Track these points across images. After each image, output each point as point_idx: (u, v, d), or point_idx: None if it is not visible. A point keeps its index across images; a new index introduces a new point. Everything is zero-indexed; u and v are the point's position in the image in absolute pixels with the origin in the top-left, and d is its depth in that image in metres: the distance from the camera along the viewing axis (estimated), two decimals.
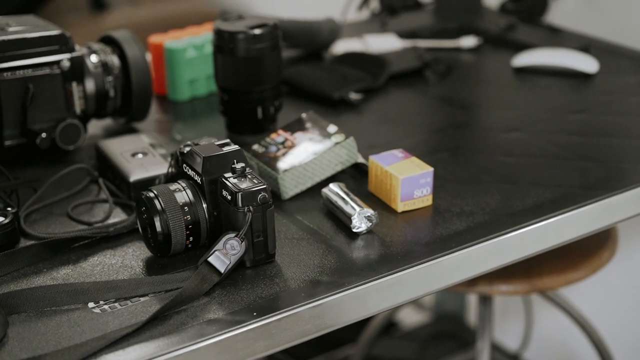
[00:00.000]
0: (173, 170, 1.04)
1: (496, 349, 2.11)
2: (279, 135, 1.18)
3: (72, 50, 1.21)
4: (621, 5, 1.78)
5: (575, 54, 1.56)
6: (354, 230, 1.04)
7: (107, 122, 1.36)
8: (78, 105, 1.23)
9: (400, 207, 1.09)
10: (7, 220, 1.01)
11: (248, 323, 0.89)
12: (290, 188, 1.13)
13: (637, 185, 1.16)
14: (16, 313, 0.90)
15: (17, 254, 1.00)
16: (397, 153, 1.13)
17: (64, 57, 1.20)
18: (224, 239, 0.95)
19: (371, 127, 1.35)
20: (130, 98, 1.28)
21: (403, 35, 1.70)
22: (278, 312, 0.91)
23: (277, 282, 0.96)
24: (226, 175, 0.97)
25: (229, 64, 1.24)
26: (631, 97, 1.44)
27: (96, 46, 1.28)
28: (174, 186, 0.99)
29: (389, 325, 2.25)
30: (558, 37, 1.70)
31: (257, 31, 1.22)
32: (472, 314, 2.24)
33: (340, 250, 1.02)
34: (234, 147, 1.00)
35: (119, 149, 1.19)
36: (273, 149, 1.16)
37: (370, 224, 1.04)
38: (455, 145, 1.30)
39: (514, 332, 2.12)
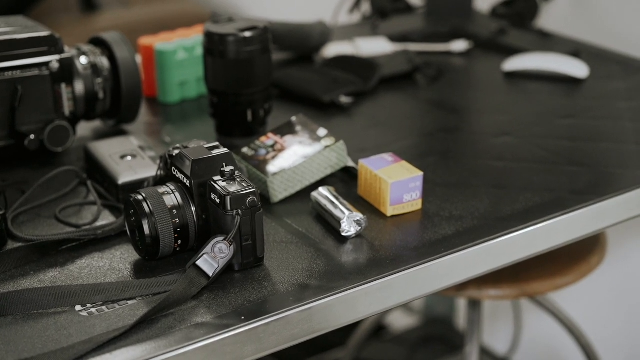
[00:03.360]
0: (162, 173, 1.04)
1: (485, 352, 2.11)
2: (269, 139, 1.18)
3: (61, 51, 1.21)
4: (612, 11, 1.78)
5: (566, 59, 1.56)
6: (343, 234, 1.04)
7: (96, 124, 1.35)
8: (67, 107, 1.23)
9: (389, 211, 1.09)
10: None
11: (236, 327, 0.89)
12: (279, 191, 1.12)
13: (626, 190, 1.16)
14: (3, 316, 0.90)
15: (4, 256, 0.99)
16: (387, 157, 1.13)
17: (53, 59, 1.20)
18: (212, 243, 0.94)
19: (361, 131, 1.35)
20: (119, 100, 1.28)
21: (394, 38, 1.70)
22: (266, 316, 0.90)
23: (266, 285, 0.95)
24: (215, 178, 0.97)
25: (219, 67, 1.24)
26: (621, 102, 1.44)
27: (86, 48, 1.28)
28: (162, 189, 0.99)
29: (379, 329, 2.25)
30: (548, 42, 1.70)
31: (247, 34, 1.22)
32: (461, 318, 2.24)
33: (329, 254, 1.02)
34: (223, 150, 1.00)
35: (107, 151, 1.18)
36: (262, 152, 1.16)
37: (360, 228, 1.04)
38: (445, 150, 1.30)
39: (503, 336, 2.13)
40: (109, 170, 1.14)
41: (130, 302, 0.92)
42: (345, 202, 1.07)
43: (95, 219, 1.09)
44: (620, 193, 1.15)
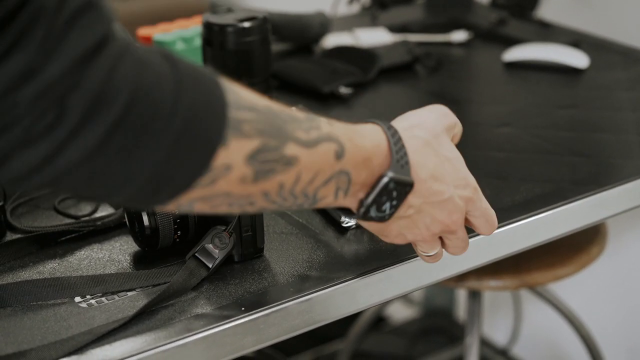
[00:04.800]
0: None
1: (485, 344, 2.11)
2: None
3: None
4: (612, 1, 1.78)
5: (566, 49, 1.56)
6: (343, 224, 1.04)
7: None
8: None
9: None
10: None
11: (236, 318, 0.89)
12: None
13: (626, 180, 1.15)
14: (2, 307, 0.90)
15: (3, 247, 0.99)
16: None
17: None
18: (212, 234, 0.94)
19: (361, 121, 1.35)
20: None
21: (393, 29, 1.70)
22: (266, 307, 0.90)
23: (266, 276, 0.95)
24: None
25: (218, 57, 1.23)
26: (621, 92, 1.44)
27: None
28: None
29: (378, 320, 2.25)
30: (548, 32, 1.69)
31: (246, 24, 1.22)
32: (461, 309, 2.24)
33: (329, 245, 1.01)
34: None
35: None
36: None
37: None
38: None
39: (503, 327, 2.12)
40: None
41: (129, 294, 0.92)
42: None
43: (95, 210, 1.09)
44: (621, 183, 1.15)
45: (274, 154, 0.70)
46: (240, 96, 0.70)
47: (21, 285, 0.91)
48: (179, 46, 1.42)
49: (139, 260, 0.99)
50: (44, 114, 0.58)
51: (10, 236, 1.02)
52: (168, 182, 0.65)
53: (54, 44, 0.58)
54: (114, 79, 0.60)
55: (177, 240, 0.98)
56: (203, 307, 0.90)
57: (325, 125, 0.76)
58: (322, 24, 1.60)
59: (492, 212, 0.90)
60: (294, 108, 1.19)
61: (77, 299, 0.91)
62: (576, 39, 1.63)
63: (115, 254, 1.00)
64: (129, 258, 0.99)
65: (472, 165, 1.20)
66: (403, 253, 0.99)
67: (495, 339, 2.16)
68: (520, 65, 1.55)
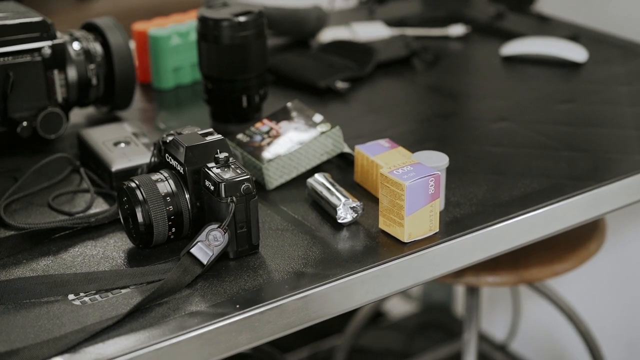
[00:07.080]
0: (155, 159, 1.03)
1: (483, 339, 2.11)
2: (264, 125, 1.17)
3: (53, 37, 1.19)
4: None
5: (564, 43, 1.55)
6: (339, 221, 1.03)
7: (90, 110, 1.34)
8: (60, 93, 1.22)
9: None
10: None
11: (231, 315, 0.88)
12: (274, 178, 1.11)
13: (625, 175, 1.15)
14: None
15: None
16: (384, 143, 1.12)
17: (45, 45, 1.18)
18: (206, 230, 0.93)
19: (358, 117, 1.34)
20: (113, 86, 1.26)
21: (391, 23, 1.69)
22: (261, 305, 0.90)
23: (261, 273, 0.94)
24: (209, 165, 0.96)
25: (213, 52, 1.23)
26: (620, 86, 1.43)
27: (78, 33, 1.26)
28: (156, 176, 0.98)
29: (376, 316, 2.25)
30: (547, 26, 1.69)
31: (241, 19, 1.21)
32: (459, 305, 2.24)
33: (325, 242, 1.01)
34: (217, 136, 0.99)
35: (101, 138, 1.17)
36: (258, 138, 1.15)
37: (356, 214, 1.03)
38: (442, 135, 1.29)
39: (501, 322, 2.12)
40: (102, 158, 1.13)
41: (123, 291, 0.92)
42: (341, 188, 1.05)
43: (89, 207, 1.08)
44: (619, 178, 1.14)
45: None
46: None
47: (14, 283, 0.91)
48: (174, 41, 1.41)
49: (133, 258, 0.98)
50: None
51: (3, 233, 1.02)
52: None
53: None
54: None
55: (172, 237, 0.97)
56: (197, 305, 0.89)
57: None
58: (319, 18, 1.59)
59: None
60: (289, 103, 1.19)
61: (71, 296, 0.91)
62: (575, 33, 1.62)
63: (109, 250, 0.99)
64: (123, 255, 0.98)
65: (470, 160, 1.20)
66: (400, 249, 0.99)
67: (494, 335, 2.16)
68: (518, 59, 1.54)
